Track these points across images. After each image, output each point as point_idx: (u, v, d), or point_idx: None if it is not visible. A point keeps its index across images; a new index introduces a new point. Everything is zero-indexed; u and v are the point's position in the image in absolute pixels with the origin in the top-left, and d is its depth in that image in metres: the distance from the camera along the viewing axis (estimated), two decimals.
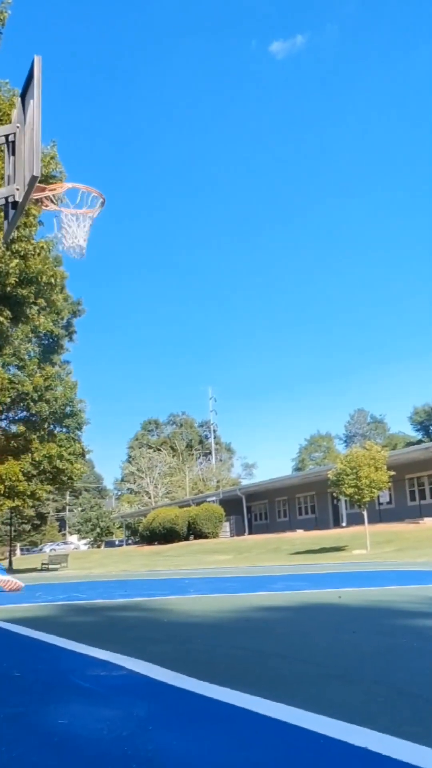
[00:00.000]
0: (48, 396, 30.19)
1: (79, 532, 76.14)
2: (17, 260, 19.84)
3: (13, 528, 46.04)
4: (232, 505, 46.85)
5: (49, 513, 76.51)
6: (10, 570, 33.87)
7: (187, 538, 44.89)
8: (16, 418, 31.91)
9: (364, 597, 6.13)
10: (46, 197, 7.15)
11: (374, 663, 2.77)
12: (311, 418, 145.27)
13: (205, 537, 43.66)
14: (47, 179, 16.79)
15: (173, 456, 76.66)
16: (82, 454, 32.72)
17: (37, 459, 29.74)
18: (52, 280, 22.76)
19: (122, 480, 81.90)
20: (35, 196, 6.84)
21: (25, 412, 31.17)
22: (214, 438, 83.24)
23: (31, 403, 30.05)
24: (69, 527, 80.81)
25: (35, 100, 6.33)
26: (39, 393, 29.87)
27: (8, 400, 29.45)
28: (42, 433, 30.59)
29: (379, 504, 34.59)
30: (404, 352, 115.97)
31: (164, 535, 46.17)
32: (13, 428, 31.63)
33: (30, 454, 29.79)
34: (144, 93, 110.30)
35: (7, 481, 28.34)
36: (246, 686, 2.28)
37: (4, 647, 3.90)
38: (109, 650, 3.26)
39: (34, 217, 19.32)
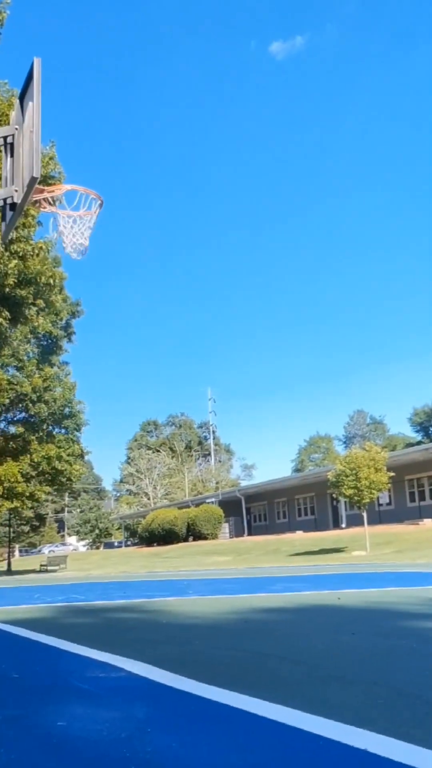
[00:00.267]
0: (47, 397, 30.17)
1: (78, 533, 76.10)
2: (16, 261, 19.82)
3: (11, 529, 46.00)
4: (231, 506, 46.84)
5: (47, 514, 76.49)
6: (9, 572, 33.83)
7: (186, 540, 44.86)
8: (15, 419, 31.90)
9: (363, 598, 6.13)
10: (44, 198, 7.15)
11: (374, 664, 2.77)
12: (311, 419, 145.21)
13: (205, 538, 43.64)
14: (46, 180, 16.80)
15: (172, 457, 76.63)
16: (81, 455, 32.69)
17: (35, 460, 29.71)
18: (51, 281, 22.74)
19: (121, 481, 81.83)
20: (34, 197, 6.84)
21: (23, 413, 31.15)
22: (214, 439, 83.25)
23: (30, 404, 30.03)
24: (68, 528, 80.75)
25: (35, 102, 6.32)
26: (38, 394, 29.85)
27: (7, 401, 29.42)
28: (41, 434, 30.57)
29: (379, 505, 34.59)
30: (404, 353, 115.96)
31: (163, 537, 46.14)
32: (12, 429, 31.61)
33: (29, 455, 29.76)
34: (143, 93, 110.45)
35: (5, 483, 28.31)
36: (245, 688, 2.28)
37: (3, 649, 3.89)
38: (108, 652, 3.26)
39: (33, 218, 19.31)
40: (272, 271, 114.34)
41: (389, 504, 35.67)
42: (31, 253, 20.25)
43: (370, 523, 26.07)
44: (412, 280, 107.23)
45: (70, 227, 7.11)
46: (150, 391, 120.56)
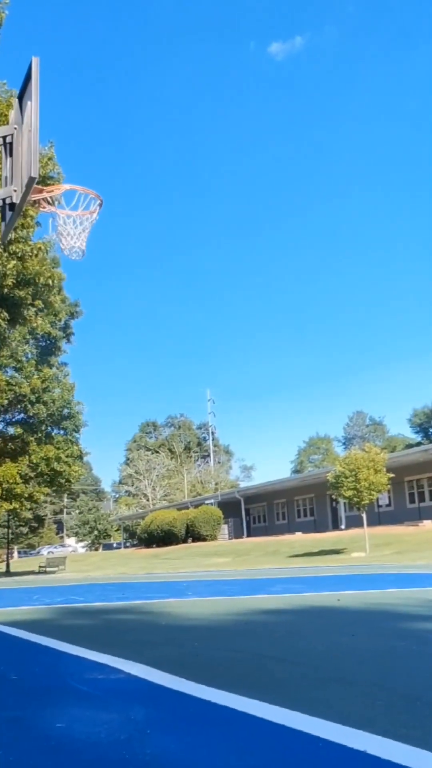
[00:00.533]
0: (45, 398, 30.16)
1: (76, 534, 76.04)
2: (14, 261, 19.81)
3: (10, 531, 45.97)
4: (230, 507, 46.83)
5: (46, 515, 76.39)
6: (8, 573, 33.79)
7: (185, 541, 44.83)
8: (14, 420, 31.89)
9: (363, 600, 6.12)
10: (43, 198, 7.14)
11: (373, 666, 2.77)
12: (310, 420, 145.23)
13: (204, 539, 43.61)
14: (45, 180, 16.79)
15: (171, 458, 76.62)
16: (80, 457, 32.67)
17: (34, 461, 29.70)
18: (50, 282, 22.72)
19: (120, 482, 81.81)
20: (33, 197, 6.83)
21: (22, 414, 31.14)
22: (213, 440, 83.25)
23: (29, 405, 30.02)
24: (67, 530, 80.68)
25: (33, 101, 6.33)
26: (36, 395, 29.84)
27: (6, 402, 29.41)
28: (39, 435, 30.55)
29: (378, 506, 34.59)
30: (404, 353, 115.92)
31: (162, 538, 46.11)
32: (11, 430, 31.59)
33: (27, 457, 29.74)
34: (143, 93, 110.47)
35: (4, 484, 28.29)
36: (245, 689, 2.27)
37: (2, 650, 3.88)
38: (107, 653, 3.25)
39: (32, 218, 19.29)
40: (272, 271, 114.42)
41: (389, 505, 35.68)
42: (30, 254, 20.24)
43: (369, 524, 26.06)
44: (412, 280, 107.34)
45: (70, 227, 7.10)
46: (149, 392, 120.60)
